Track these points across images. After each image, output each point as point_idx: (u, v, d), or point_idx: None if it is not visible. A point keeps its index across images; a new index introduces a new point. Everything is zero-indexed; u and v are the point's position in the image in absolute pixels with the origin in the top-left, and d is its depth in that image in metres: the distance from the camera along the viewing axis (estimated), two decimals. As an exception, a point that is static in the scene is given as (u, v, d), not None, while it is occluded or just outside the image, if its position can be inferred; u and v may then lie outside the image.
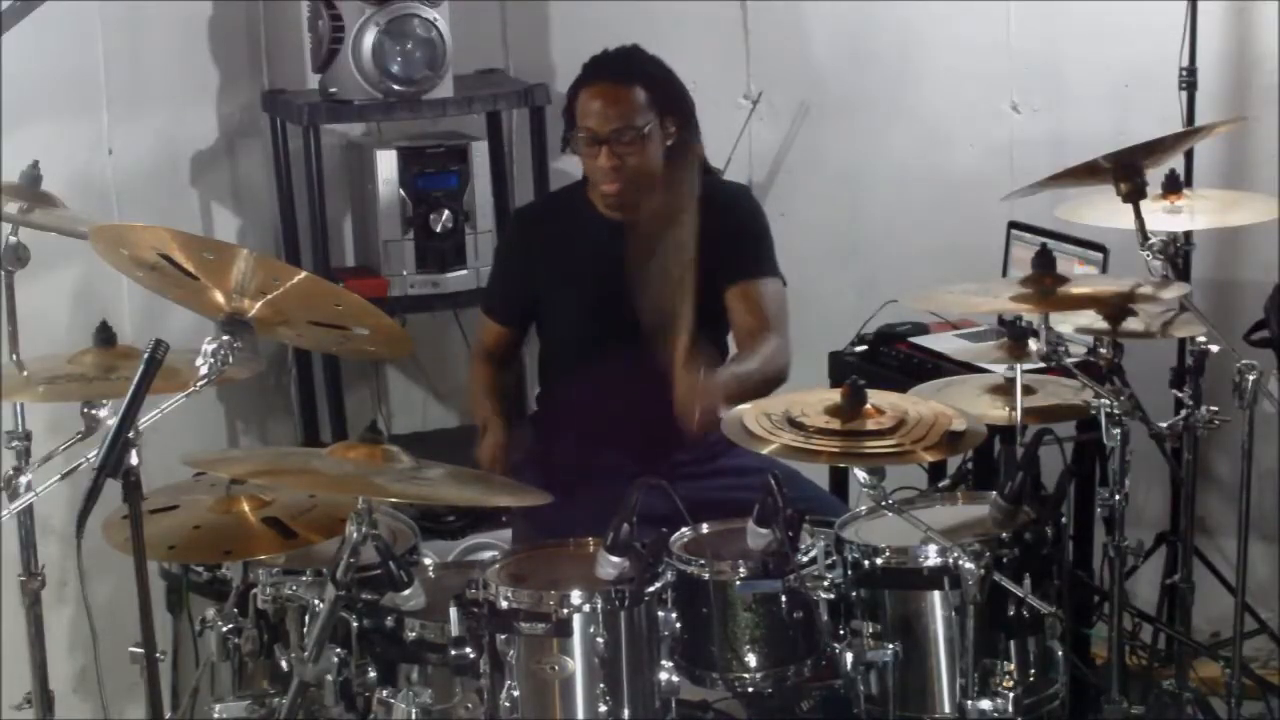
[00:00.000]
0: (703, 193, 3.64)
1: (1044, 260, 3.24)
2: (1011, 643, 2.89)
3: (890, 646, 2.87)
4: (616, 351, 3.54)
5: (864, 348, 4.20)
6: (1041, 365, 3.29)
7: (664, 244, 3.55)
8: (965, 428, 2.91)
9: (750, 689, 2.92)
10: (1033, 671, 2.93)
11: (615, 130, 3.49)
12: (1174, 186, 3.62)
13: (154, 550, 2.82)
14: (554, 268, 3.61)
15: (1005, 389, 3.46)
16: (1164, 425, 3.46)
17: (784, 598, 2.88)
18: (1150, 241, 3.34)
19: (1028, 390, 3.37)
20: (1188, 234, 3.92)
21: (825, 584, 2.88)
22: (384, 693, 2.82)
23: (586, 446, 3.56)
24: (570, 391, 3.67)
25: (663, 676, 2.84)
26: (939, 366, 3.97)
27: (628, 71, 3.55)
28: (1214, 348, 3.46)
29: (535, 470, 3.54)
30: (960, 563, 2.78)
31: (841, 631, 2.91)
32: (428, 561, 3.15)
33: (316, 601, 2.83)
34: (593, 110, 3.51)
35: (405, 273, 4.22)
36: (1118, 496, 3.27)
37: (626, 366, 3.52)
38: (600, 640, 2.77)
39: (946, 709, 2.89)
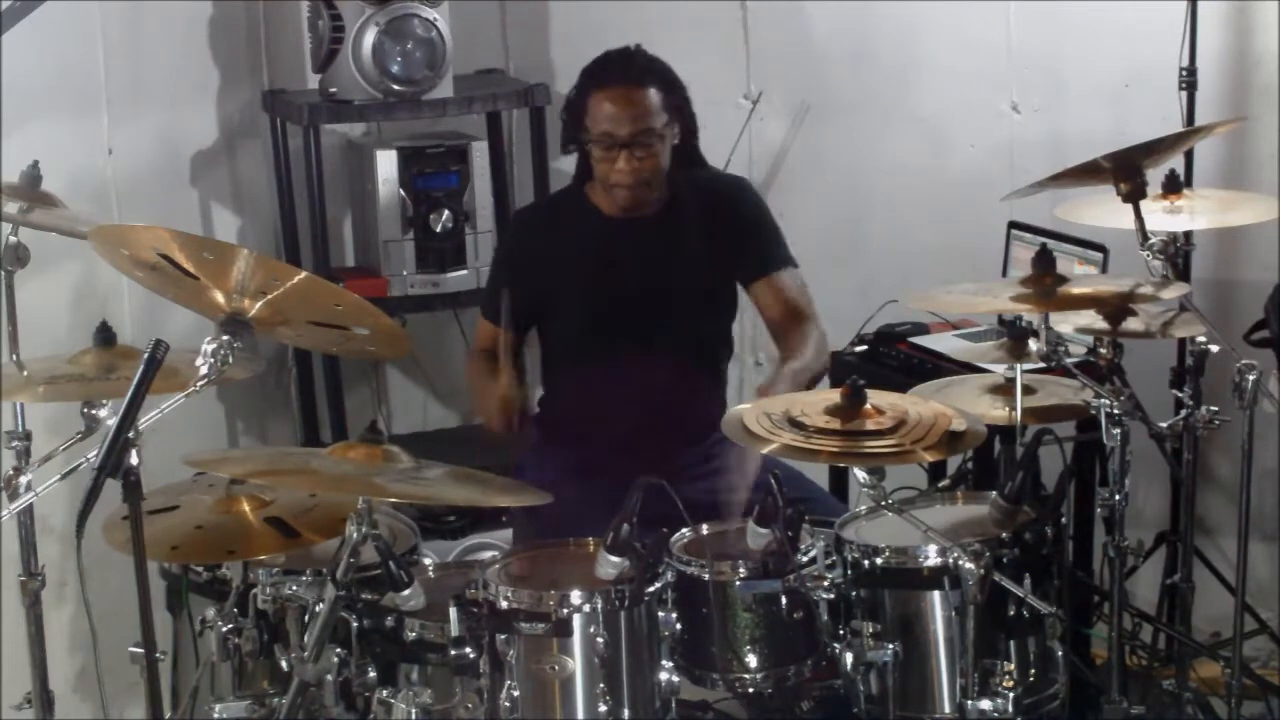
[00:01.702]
0: (702, 186, 3.66)
1: (1044, 260, 3.24)
2: (1011, 643, 2.90)
3: (890, 646, 2.87)
4: (619, 352, 3.54)
5: (864, 348, 4.20)
6: (1041, 365, 3.29)
7: (667, 242, 3.56)
8: (965, 428, 2.91)
9: (750, 689, 2.92)
10: (1033, 671, 2.93)
11: (634, 133, 3.49)
12: (1174, 186, 3.62)
13: (157, 550, 2.83)
14: (556, 269, 3.61)
15: (1005, 389, 3.46)
16: (1164, 425, 3.45)
17: (784, 598, 2.88)
18: (1150, 241, 3.34)
19: (1028, 390, 3.37)
20: (1188, 234, 3.92)
21: (825, 584, 2.89)
22: (384, 693, 2.82)
23: (589, 446, 3.56)
24: (573, 392, 3.66)
25: (663, 676, 2.85)
26: (939, 366, 3.97)
27: (641, 73, 3.54)
28: (1214, 348, 3.46)
29: (536, 470, 3.55)
30: (960, 563, 2.78)
31: (841, 631, 2.91)
32: (428, 561, 3.15)
33: (317, 602, 2.83)
34: (610, 114, 3.49)
35: (405, 273, 4.22)
36: (1118, 496, 3.26)
37: (629, 366, 3.52)
38: (600, 640, 2.77)
39: (946, 709, 2.89)
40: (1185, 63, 4.22)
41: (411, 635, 2.84)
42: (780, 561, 2.87)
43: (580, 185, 3.67)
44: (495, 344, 3.67)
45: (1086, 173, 3.42)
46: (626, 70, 3.55)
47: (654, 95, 3.51)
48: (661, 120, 3.52)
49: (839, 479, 3.92)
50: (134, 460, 2.50)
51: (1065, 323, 3.35)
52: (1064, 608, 2.93)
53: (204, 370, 2.65)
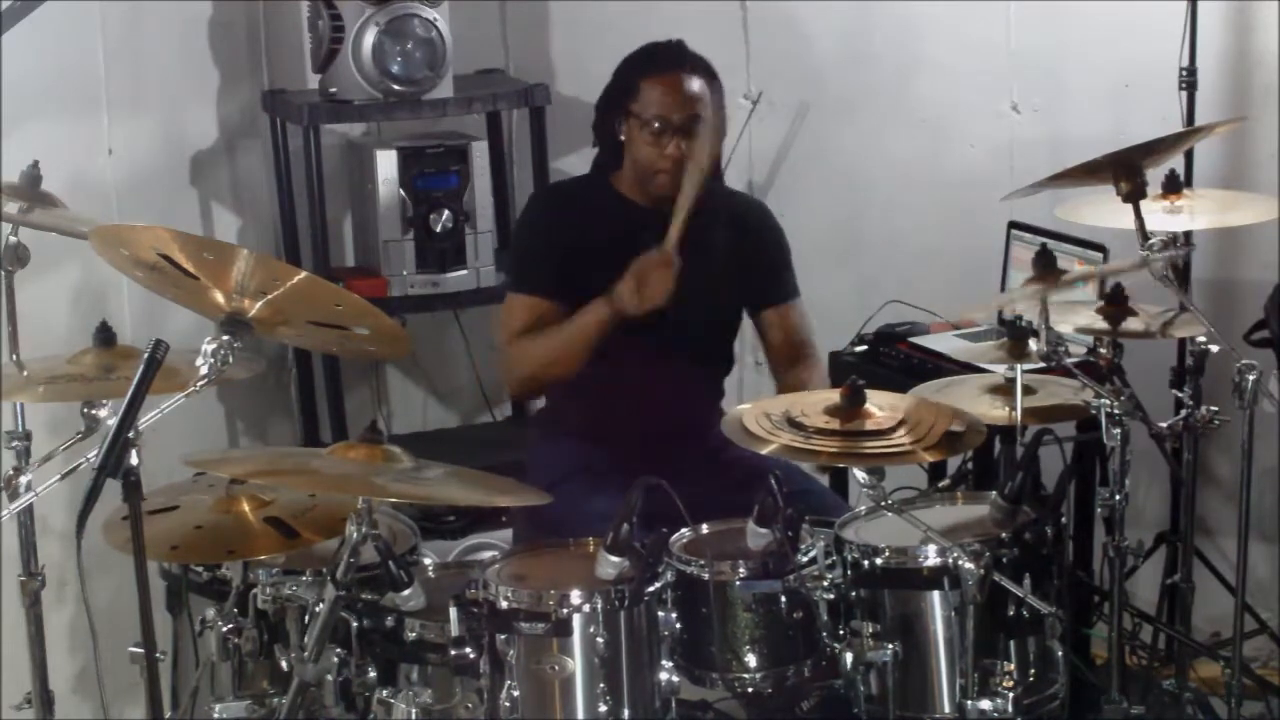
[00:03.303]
0: (726, 202, 3.70)
1: (1044, 260, 3.24)
2: (1011, 643, 2.89)
3: (890, 646, 2.87)
4: (630, 344, 3.53)
5: (864, 348, 4.20)
6: (1041, 365, 3.29)
7: (692, 244, 3.57)
8: (965, 428, 2.92)
9: (750, 689, 2.92)
10: (1033, 671, 2.93)
11: (687, 118, 3.51)
12: (1174, 186, 3.62)
13: (156, 550, 2.83)
14: (579, 251, 3.57)
15: (1005, 389, 3.46)
16: (1164, 425, 3.46)
17: (784, 598, 2.88)
18: (1150, 241, 3.34)
19: (1028, 390, 3.37)
20: (1188, 234, 3.92)
21: (825, 584, 2.89)
22: (384, 693, 2.82)
23: (591, 442, 3.55)
24: (582, 381, 3.61)
25: (663, 676, 2.84)
26: (939, 366, 3.98)
27: (694, 63, 3.57)
28: (1214, 348, 3.46)
29: (538, 469, 3.54)
30: (960, 563, 2.78)
31: (841, 631, 2.91)
32: (428, 561, 3.15)
33: (317, 602, 2.83)
34: (665, 99, 3.51)
35: (405, 273, 4.22)
36: (1118, 496, 3.27)
37: (640, 356, 3.51)
38: (600, 640, 2.77)
39: (946, 709, 2.89)
40: (1185, 63, 4.22)
41: (411, 635, 2.84)
42: (780, 561, 2.87)
43: (604, 174, 3.65)
44: (538, 319, 3.54)
45: (1086, 173, 3.41)
46: (682, 58, 3.58)
47: (705, 86, 3.55)
48: (709, 111, 3.54)
49: (839, 479, 3.92)
50: (134, 460, 2.49)
51: (1065, 323, 3.35)
52: (1064, 608, 2.93)
53: (204, 370, 2.65)
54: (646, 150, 3.53)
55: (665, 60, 3.57)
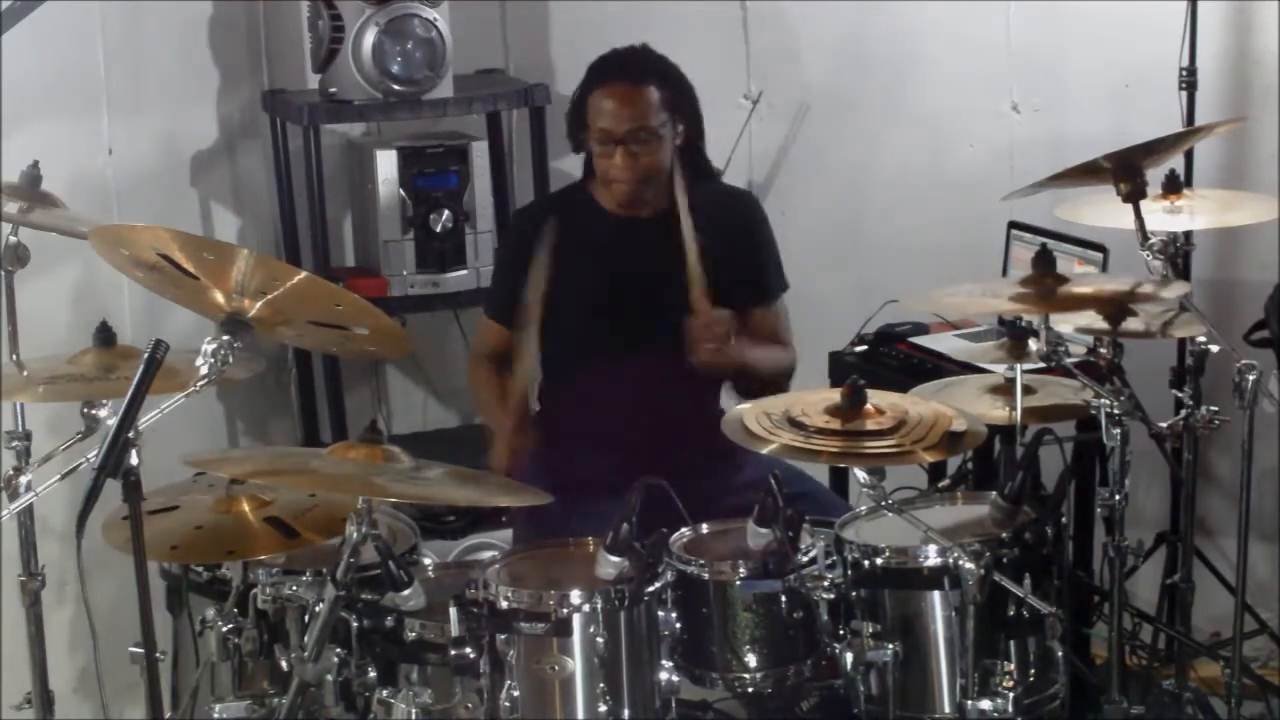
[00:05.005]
0: (710, 198, 3.66)
1: (1044, 260, 3.24)
2: (1011, 643, 2.90)
3: (890, 646, 2.87)
4: (620, 349, 3.54)
5: (864, 348, 4.20)
6: (1041, 365, 3.29)
7: (670, 243, 3.56)
8: (965, 428, 2.92)
9: (750, 689, 2.92)
10: (1033, 671, 2.93)
11: (630, 130, 3.49)
12: (1174, 186, 3.62)
13: (156, 550, 2.83)
14: (560, 266, 3.59)
15: (1005, 389, 3.46)
16: (1164, 425, 3.46)
17: (784, 598, 2.89)
18: (1150, 241, 3.34)
19: (1028, 390, 3.37)
20: (1188, 234, 3.92)
21: (825, 584, 2.89)
22: (384, 693, 2.83)
23: (589, 446, 3.56)
24: (574, 390, 3.65)
25: (663, 676, 2.85)
26: (939, 366, 3.98)
27: (641, 71, 3.55)
28: (1214, 348, 3.46)
29: (537, 470, 3.54)
30: (960, 563, 2.78)
31: (841, 631, 2.91)
32: (428, 561, 3.15)
33: (317, 602, 2.83)
34: (608, 110, 3.50)
35: (405, 273, 4.21)
36: (1118, 496, 3.27)
37: (630, 364, 3.52)
38: (600, 640, 2.77)
39: (946, 709, 2.89)
40: (1185, 63, 4.22)
41: (411, 635, 2.84)
42: (780, 561, 2.87)
43: (584, 183, 3.66)
44: (501, 345, 3.65)
45: (1086, 173, 3.42)
46: (627, 68, 3.55)
47: (653, 93, 3.51)
48: (660, 119, 3.51)
49: (839, 478, 3.92)
50: (134, 460, 2.50)
51: (1065, 323, 3.35)
52: (1064, 608, 2.93)
53: (204, 370, 2.65)
54: (600, 162, 3.55)
55: (612, 70, 3.56)
